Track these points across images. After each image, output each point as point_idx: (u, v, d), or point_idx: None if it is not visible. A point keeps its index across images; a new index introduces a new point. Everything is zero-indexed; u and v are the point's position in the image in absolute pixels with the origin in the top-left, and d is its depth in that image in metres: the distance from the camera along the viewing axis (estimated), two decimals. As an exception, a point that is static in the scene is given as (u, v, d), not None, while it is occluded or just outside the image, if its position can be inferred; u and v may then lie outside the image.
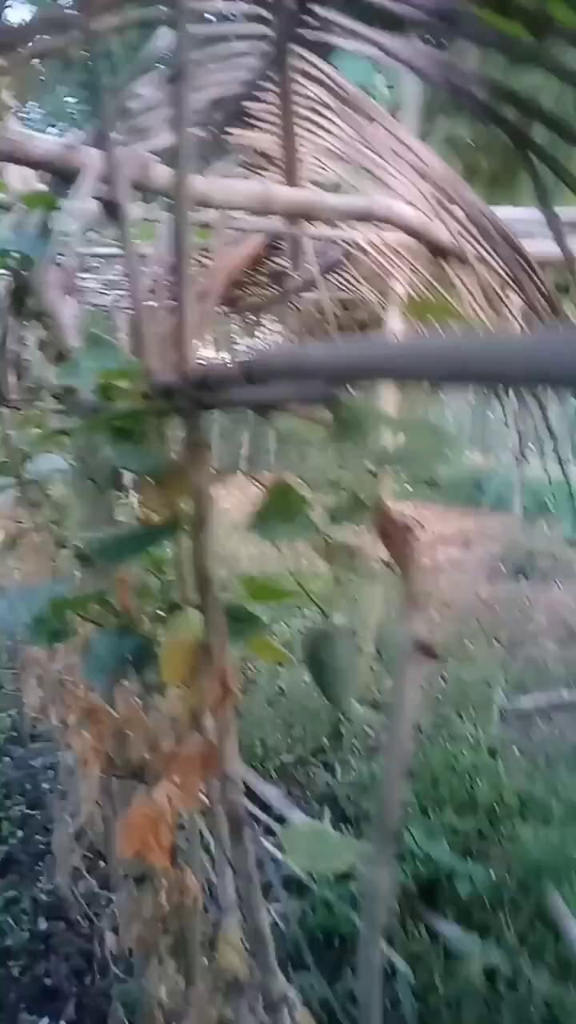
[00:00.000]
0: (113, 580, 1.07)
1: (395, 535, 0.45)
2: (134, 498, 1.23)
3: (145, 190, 1.08)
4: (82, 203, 0.97)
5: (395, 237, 1.66)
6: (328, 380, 0.40)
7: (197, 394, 0.65)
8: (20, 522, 1.91)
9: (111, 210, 0.72)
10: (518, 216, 1.47)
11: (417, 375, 0.31)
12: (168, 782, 0.88)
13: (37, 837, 2.64)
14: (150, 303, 1.15)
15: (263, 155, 1.38)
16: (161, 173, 1.05)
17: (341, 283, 2.70)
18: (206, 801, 0.91)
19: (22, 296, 1.23)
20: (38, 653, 2.56)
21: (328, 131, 1.20)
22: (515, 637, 4.34)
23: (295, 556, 3.91)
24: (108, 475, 1.25)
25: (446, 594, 5.03)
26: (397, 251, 1.74)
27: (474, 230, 1.12)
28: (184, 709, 0.91)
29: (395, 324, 2.33)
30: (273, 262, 2.47)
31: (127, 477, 1.18)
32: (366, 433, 0.44)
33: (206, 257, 1.79)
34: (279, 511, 0.59)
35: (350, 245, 1.81)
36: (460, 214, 1.13)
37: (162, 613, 0.99)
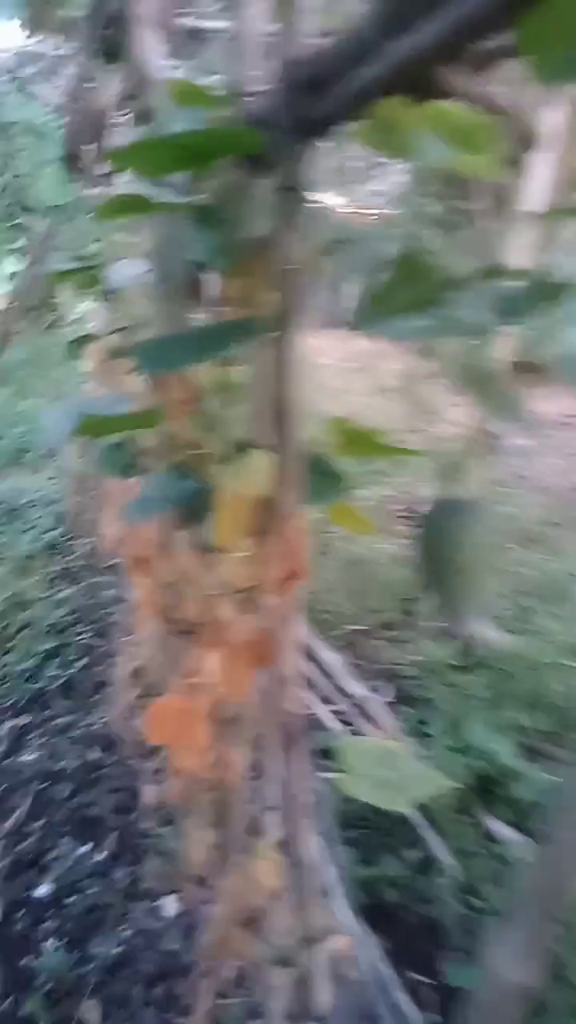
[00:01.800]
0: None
1: None
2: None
3: None
4: None
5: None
6: None
7: (304, 102, 0.40)
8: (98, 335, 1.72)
9: None
10: None
11: None
12: (214, 665, 0.72)
13: (98, 668, 2.66)
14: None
15: None
16: None
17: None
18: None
19: (109, 35, 0.95)
20: (115, 484, 2.45)
21: None
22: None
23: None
24: (186, 278, 1.02)
25: (544, 478, 4.69)
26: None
27: None
28: (239, 580, 0.73)
29: None
30: None
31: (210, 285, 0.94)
32: None
33: None
34: (407, 291, 0.35)
35: None
36: None
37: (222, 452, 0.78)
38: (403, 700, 2.46)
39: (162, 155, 0.52)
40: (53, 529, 3.82)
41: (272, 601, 0.59)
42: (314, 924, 0.72)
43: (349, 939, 0.82)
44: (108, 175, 1.18)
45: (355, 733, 2.21)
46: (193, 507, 0.77)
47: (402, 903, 1.69)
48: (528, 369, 0.42)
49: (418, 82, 0.29)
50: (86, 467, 3.43)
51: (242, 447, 0.67)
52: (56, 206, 4.22)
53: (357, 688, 2.54)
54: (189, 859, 1.39)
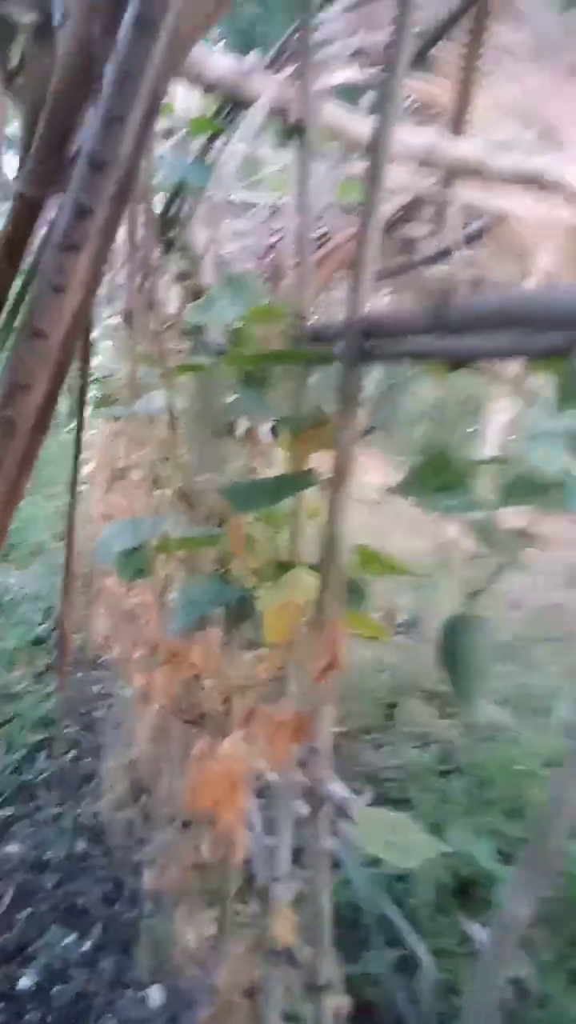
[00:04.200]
0: (218, 527, 1.05)
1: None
2: (250, 446, 1.19)
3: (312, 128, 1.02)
4: (250, 135, 0.92)
5: (552, 209, 1.55)
6: (560, 328, 0.35)
7: (364, 342, 0.60)
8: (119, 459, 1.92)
9: (299, 135, 0.67)
10: None
11: None
12: (245, 740, 0.86)
13: (86, 760, 2.71)
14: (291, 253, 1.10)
15: (431, 105, 1.30)
16: (333, 112, 0.99)
17: (476, 258, 2.57)
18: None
19: (169, 227, 1.19)
20: (113, 585, 2.59)
21: (513, 81, 1.10)
22: (584, 648, 4.18)
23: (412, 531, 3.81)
24: (224, 421, 1.22)
25: (517, 596, 4.87)
26: (548, 226, 1.63)
27: None
28: (273, 669, 0.88)
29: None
30: (407, 227, 2.37)
31: (252, 426, 1.14)
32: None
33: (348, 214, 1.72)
34: (438, 478, 0.53)
35: (497, 216, 1.71)
36: None
37: (262, 569, 0.95)
38: (384, 802, 2.54)
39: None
40: (41, 624, 3.90)
41: (314, 686, 0.75)
42: (323, 975, 0.83)
43: (348, 999, 0.92)
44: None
45: (335, 833, 2.28)
46: (237, 610, 0.94)
47: (380, 1000, 1.73)
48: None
49: (455, 364, 0.48)
50: (79, 566, 3.57)
51: (284, 565, 0.85)
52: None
53: (338, 789, 2.62)
54: (183, 943, 1.46)
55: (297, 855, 0.98)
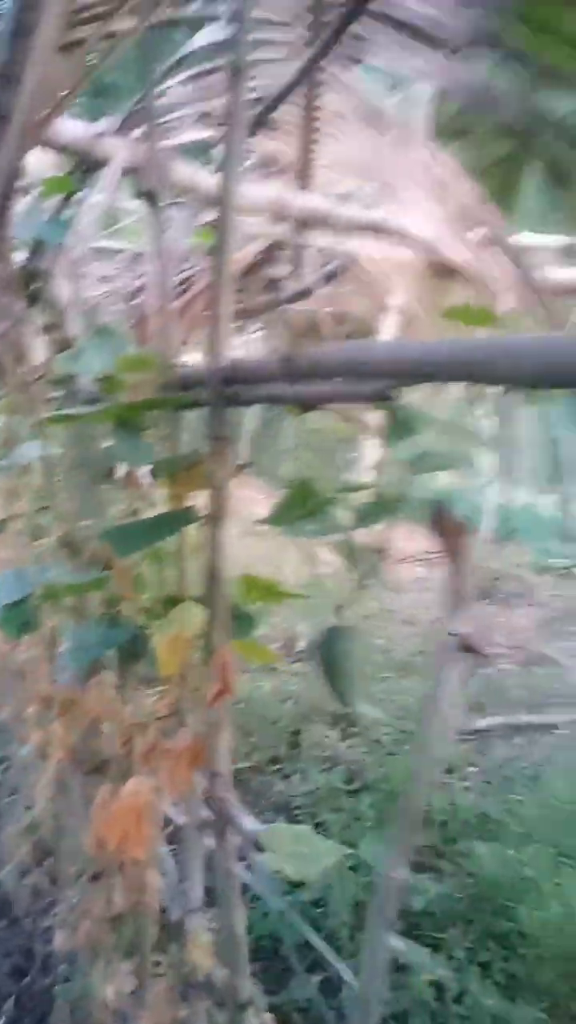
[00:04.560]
0: (103, 570, 1.07)
1: (450, 531, 0.46)
2: (127, 490, 1.22)
3: (165, 186, 1.09)
4: (106, 193, 0.97)
5: (398, 252, 1.69)
6: (388, 378, 0.41)
7: (226, 388, 0.65)
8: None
9: (149, 198, 0.72)
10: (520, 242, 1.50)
11: (503, 375, 0.32)
12: (147, 776, 0.88)
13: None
14: (155, 300, 1.15)
15: (278, 162, 1.40)
16: (185, 170, 1.05)
17: (336, 296, 2.72)
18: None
19: (31, 281, 1.22)
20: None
21: (347, 143, 1.21)
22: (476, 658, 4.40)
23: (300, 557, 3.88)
24: (101, 466, 1.24)
25: (409, 612, 5.07)
26: (399, 267, 1.77)
27: (490, 253, 1.14)
28: (172, 703, 0.91)
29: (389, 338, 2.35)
30: (270, 269, 2.48)
31: (129, 469, 1.17)
32: (417, 434, 0.44)
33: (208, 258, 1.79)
34: (302, 507, 0.59)
35: (352, 258, 1.83)
36: (477, 235, 1.15)
37: (150, 607, 0.98)
38: (296, 829, 2.56)
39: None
40: None
41: (206, 712, 0.78)
42: (244, 994, 0.85)
43: (271, 1016, 0.94)
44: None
45: (249, 867, 2.28)
46: (129, 649, 0.96)
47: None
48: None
49: (305, 407, 0.54)
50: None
51: (173, 600, 0.88)
52: None
53: (248, 823, 2.62)
54: (101, 999, 1.42)
55: (211, 890, 1.00)
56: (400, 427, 0.43)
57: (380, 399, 0.43)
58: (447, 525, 0.46)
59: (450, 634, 0.45)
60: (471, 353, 0.32)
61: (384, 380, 0.41)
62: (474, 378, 0.34)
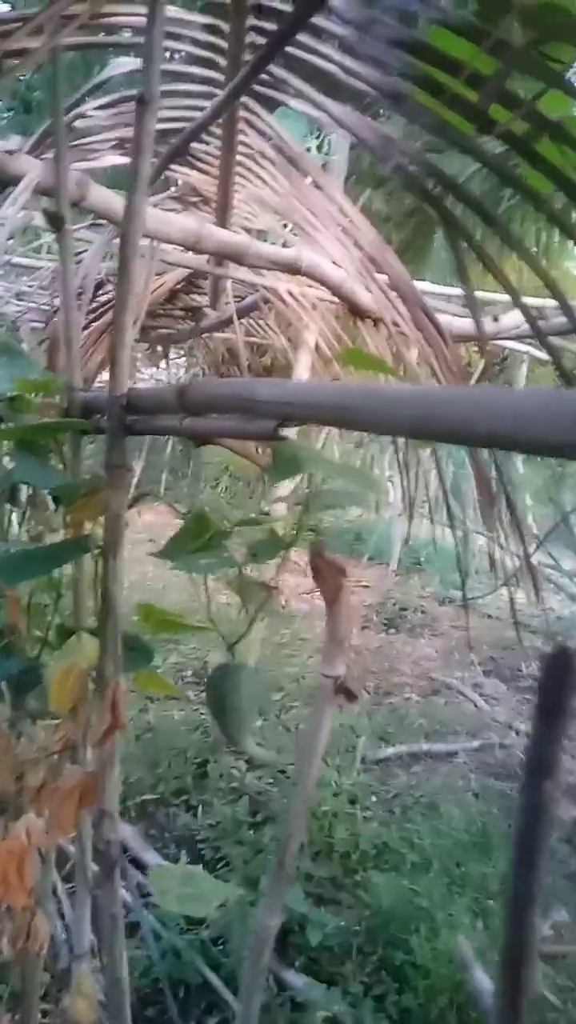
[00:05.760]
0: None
1: (328, 574, 0.46)
2: (33, 512, 1.18)
3: (80, 208, 1.07)
4: (15, 211, 0.95)
5: (313, 291, 1.72)
6: (272, 417, 0.41)
7: (126, 417, 0.64)
8: None
9: (54, 222, 0.71)
10: (426, 290, 1.56)
11: (381, 424, 0.33)
12: (35, 815, 0.84)
13: None
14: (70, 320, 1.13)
15: (198, 194, 1.41)
16: (100, 194, 1.05)
17: (254, 327, 2.75)
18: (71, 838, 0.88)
19: None
20: None
21: (264, 181, 1.24)
22: (381, 687, 4.45)
23: (198, 587, 3.84)
24: (4, 488, 1.20)
25: (316, 641, 5.10)
26: (313, 305, 1.81)
27: (394, 296, 1.18)
28: (64, 738, 0.88)
29: (303, 373, 2.40)
30: (190, 297, 2.49)
31: (34, 492, 1.13)
32: (301, 472, 0.45)
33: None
34: (197, 540, 0.59)
35: (268, 292, 1.86)
36: (383, 280, 1.19)
37: (45, 637, 0.95)
38: (199, 862, 2.51)
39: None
40: None
41: (97, 750, 0.76)
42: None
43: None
44: None
45: (150, 903, 2.22)
46: (20, 681, 0.92)
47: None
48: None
49: (200, 440, 0.54)
50: None
51: (65, 631, 0.86)
52: None
53: (152, 857, 2.55)
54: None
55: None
56: (283, 466, 0.44)
57: (267, 438, 0.43)
58: (324, 568, 0.46)
59: (325, 676, 0.46)
60: (350, 400, 0.33)
61: (270, 419, 0.42)
62: (352, 425, 0.35)
